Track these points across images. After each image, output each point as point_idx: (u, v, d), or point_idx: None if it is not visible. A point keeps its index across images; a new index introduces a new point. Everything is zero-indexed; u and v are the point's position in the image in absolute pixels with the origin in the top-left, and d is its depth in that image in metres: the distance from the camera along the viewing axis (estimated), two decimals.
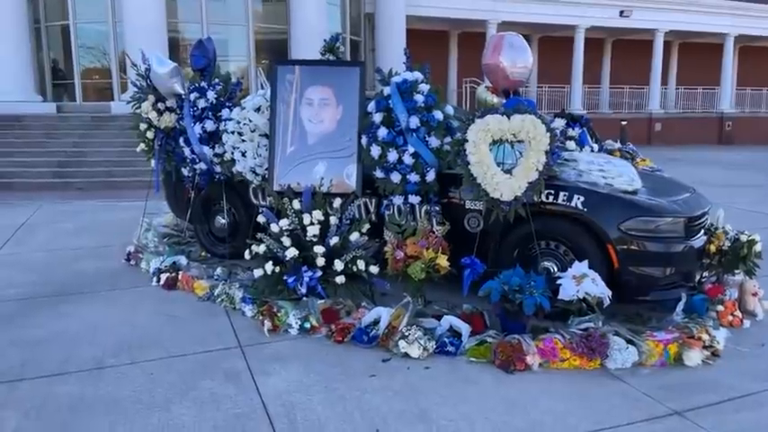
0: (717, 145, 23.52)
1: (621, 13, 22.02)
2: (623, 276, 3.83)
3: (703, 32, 24.16)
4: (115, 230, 6.58)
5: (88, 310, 4.24)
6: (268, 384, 3.15)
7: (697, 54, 26.00)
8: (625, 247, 3.80)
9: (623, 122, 16.71)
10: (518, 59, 4.12)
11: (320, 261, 4.12)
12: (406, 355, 3.44)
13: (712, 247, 4.22)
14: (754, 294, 4.19)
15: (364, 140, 4.26)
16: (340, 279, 4.11)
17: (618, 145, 5.91)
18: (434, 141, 4.10)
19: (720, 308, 3.96)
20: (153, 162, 5.56)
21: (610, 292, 3.62)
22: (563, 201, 3.90)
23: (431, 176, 4.13)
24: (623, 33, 24.02)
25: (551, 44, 23.06)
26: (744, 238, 4.25)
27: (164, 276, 4.76)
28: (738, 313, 4.00)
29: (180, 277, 4.74)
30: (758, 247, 4.29)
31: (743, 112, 25.51)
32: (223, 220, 5.39)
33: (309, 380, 3.20)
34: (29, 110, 13.08)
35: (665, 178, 5.17)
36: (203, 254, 5.48)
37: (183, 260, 5.00)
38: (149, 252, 5.34)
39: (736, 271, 4.28)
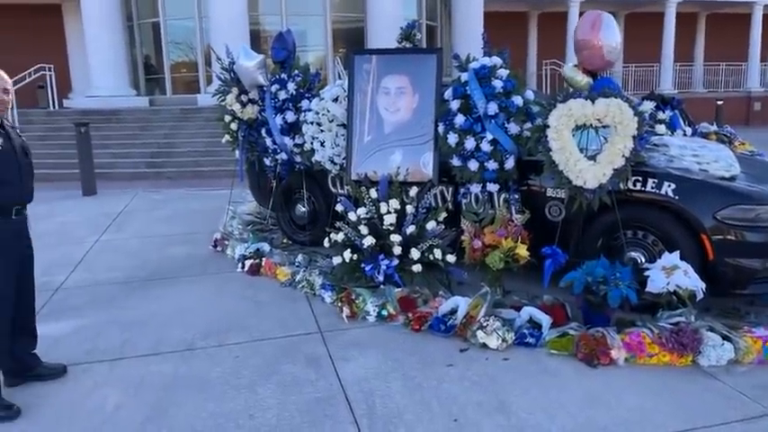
0: None
1: None
2: (719, 268, 3.60)
3: None
4: (203, 218, 6.91)
5: (179, 294, 4.49)
6: (347, 370, 3.21)
7: None
8: (721, 237, 3.57)
9: (719, 102, 15.60)
10: (613, 39, 3.93)
11: (397, 249, 4.15)
12: (484, 346, 3.40)
13: None
14: None
15: (441, 128, 4.22)
16: (417, 268, 4.12)
17: (713, 127, 5.53)
18: (514, 128, 4.00)
19: None
20: (237, 152, 5.77)
21: (704, 285, 3.41)
22: (652, 188, 3.71)
23: (510, 164, 4.04)
24: (718, 7, 22.40)
25: (639, 20, 21.87)
26: None
27: (248, 262, 4.95)
28: None
29: (263, 263, 4.91)
30: None
31: None
32: (303, 209, 5.54)
33: (387, 367, 3.24)
34: (124, 104, 13.94)
35: (766, 163, 4.80)
36: (285, 241, 5.65)
37: (266, 247, 5.18)
38: (234, 239, 5.57)
39: None
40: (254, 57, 5.33)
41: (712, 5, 22.34)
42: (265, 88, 5.28)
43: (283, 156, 5.25)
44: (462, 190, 4.28)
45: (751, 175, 3.93)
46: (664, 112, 4.48)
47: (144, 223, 6.98)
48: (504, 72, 4.08)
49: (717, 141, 4.73)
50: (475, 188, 4.18)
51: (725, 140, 5.16)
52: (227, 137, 5.79)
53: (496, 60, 4.14)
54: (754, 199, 3.61)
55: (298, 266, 4.76)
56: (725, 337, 3.23)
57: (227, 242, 5.57)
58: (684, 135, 4.53)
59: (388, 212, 4.23)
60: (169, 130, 12.55)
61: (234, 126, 5.62)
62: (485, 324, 3.46)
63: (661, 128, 4.35)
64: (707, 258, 3.61)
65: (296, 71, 5.22)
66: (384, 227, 4.23)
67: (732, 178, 3.75)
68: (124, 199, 8.52)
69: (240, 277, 4.87)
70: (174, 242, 6.02)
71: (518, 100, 4.02)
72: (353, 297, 3.98)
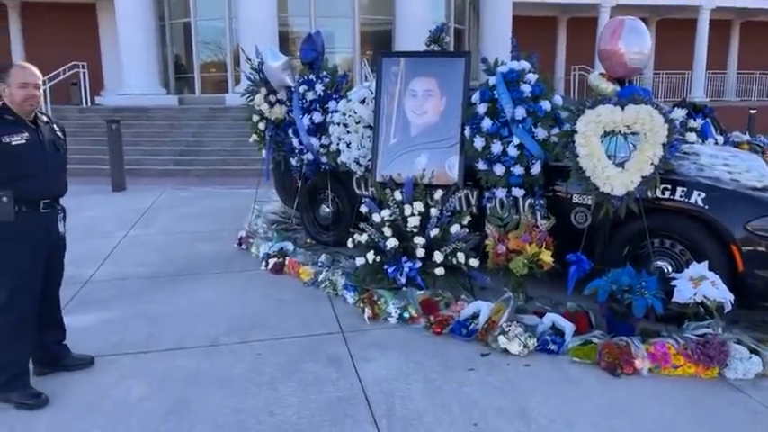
0: None
1: None
2: (749, 280, 3.53)
3: None
4: (229, 216, 6.99)
5: (205, 290, 4.56)
6: (368, 370, 3.23)
7: None
8: (752, 248, 3.49)
9: (752, 111, 15.26)
10: (637, 45, 3.87)
11: (420, 252, 4.15)
12: (506, 351, 3.39)
13: None
14: None
15: (467, 131, 4.22)
16: (439, 271, 4.12)
17: (746, 137, 5.41)
18: (541, 133, 3.98)
19: None
20: (264, 152, 5.83)
21: (732, 297, 3.35)
22: (681, 197, 3.65)
23: (536, 169, 4.01)
24: (753, 14, 21.92)
25: (671, 27, 21.53)
26: None
27: (272, 261, 5.00)
28: None
29: (287, 262, 4.96)
30: None
31: None
32: (328, 209, 5.57)
33: (408, 369, 3.24)
34: (154, 102, 14.18)
35: None
36: (308, 241, 5.70)
37: (289, 246, 5.23)
38: (259, 238, 5.63)
39: None
40: (279, 58, 5.40)
41: (747, 13, 21.88)
42: (293, 89, 5.33)
43: (309, 156, 5.29)
44: (487, 194, 4.26)
45: None
46: (695, 121, 4.40)
47: (171, 220, 7.09)
48: (532, 77, 4.06)
49: (749, 151, 4.63)
50: (500, 193, 4.16)
51: (757, 150, 5.03)
52: (254, 136, 5.86)
53: (525, 65, 4.12)
54: None
55: (321, 266, 4.79)
56: (753, 351, 3.17)
57: (251, 240, 5.63)
58: (716, 144, 4.45)
59: (413, 215, 4.24)
60: (198, 128, 12.73)
61: (261, 126, 5.69)
62: (507, 329, 3.44)
63: (692, 136, 4.27)
64: (736, 269, 3.54)
65: (324, 72, 5.26)
66: (408, 229, 4.24)
67: (764, 189, 3.68)
68: (152, 195, 8.67)
69: (264, 275, 4.92)
70: (201, 239, 6.11)
71: (546, 105, 4.00)
72: (375, 298, 3.99)
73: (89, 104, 15.05)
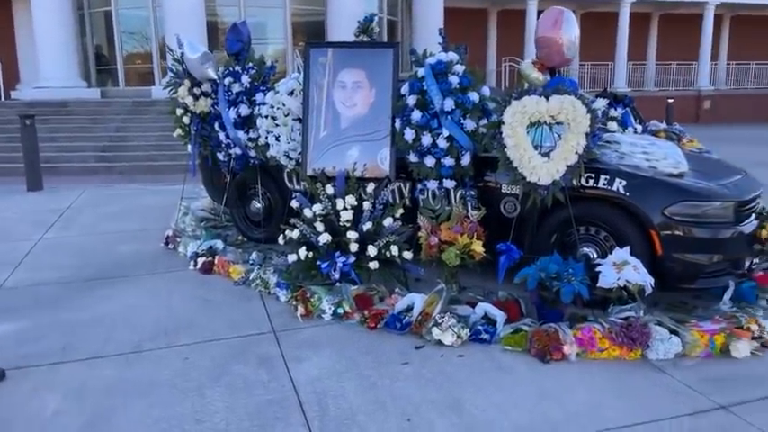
0: None
1: None
2: (667, 263, 3.67)
3: (756, 4, 22.99)
4: (155, 214, 6.71)
5: (128, 294, 4.33)
6: (300, 370, 3.15)
7: (749, 28, 24.78)
8: (669, 232, 3.64)
9: (670, 101, 16.04)
10: (573, 36, 3.94)
11: (353, 246, 4.10)
12: (440, 343, 3.39)
13: (764, 233, 4.03)
14: None
15: (398, 124, 4.19)
16: (373, 265, 4.08)
17: (663, 125, 5.66)
18: (470, 124, 4.00)
19: None
20: (189, 147, 5.61)
21: (652, 280, 3.47)
22: (604, 185, 3.76)
23: (466, 160, 4.03)
24: (671, 7, 23.07)
25: (594, 19, 22.31)
26: None
27: (200, 260, 4.82)
28: None
29: (216, 261, 4.79)
30: None
31: None
32: (258, 205, 5.42)
33: (341, 366, 3.19)
34: (74, 95, 13.44)
35: (713, 160, 4.95)
36: (239, 238, 5.53)
37: (219, 244, 5.05)
38: (187, 236, 5.42)
39: None
40: (197, 50, 5.19)
41: (665, 6, 22.98)
42: (218, 81, 5.14)
43: (237, 150, 5.13)
44: (419, 186, 4.26)
45: (699, 171, 4.02)
46: (616, 110, 4.55)
47: (93, 220, 6.72)
48: (460, 68, 4.07)
49: (666, 139, 4.84)
50: (432, 184, 4.16)
51: (674, 138, 5.28)
52: (178, 131, 5.62)
53: (453, 56, 4.12)
54: (701, 195, 3.69)
55: (252, 264, 4.66)
56: (672, 331, 3.30)
57: (179, 239, 5.42)
58: (635, 132, 4.61)
59: (345, 209, 4.17)
60: (121, 123, 12.17)
61: (186, 119, 5.47)
62: (440, 321, 3.45)
63: (613, 125, 4.41)
64: (655, 253, 3.67)
65: (250, 64, 5.09)
66: (340, 223, 4.17)
67: (680, 175, 3.84)
68: (72, 194, 8.21)
69: (192, 276, 4.73)
70: (124, 239, 5.82)
71: (474, 96, 4.02)
72: (309, 295, 3.91)
73: (3, 99, 14.12)
